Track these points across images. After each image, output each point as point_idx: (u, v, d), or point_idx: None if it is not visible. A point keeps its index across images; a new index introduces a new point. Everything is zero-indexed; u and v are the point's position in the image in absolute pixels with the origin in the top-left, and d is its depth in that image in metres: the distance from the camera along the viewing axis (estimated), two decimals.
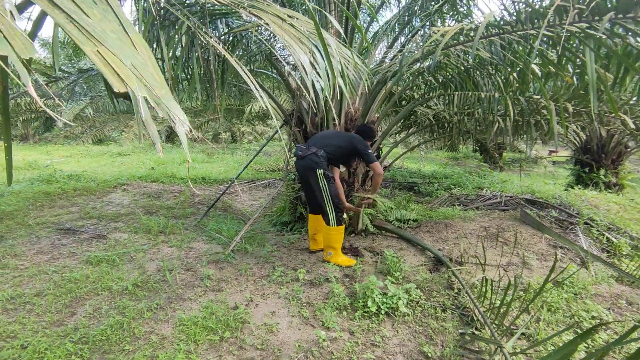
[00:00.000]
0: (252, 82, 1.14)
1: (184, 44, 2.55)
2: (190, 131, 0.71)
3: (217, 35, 3.43)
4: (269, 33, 4.87)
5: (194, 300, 2.67)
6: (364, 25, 6.03)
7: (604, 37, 2.21)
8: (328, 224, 3.25)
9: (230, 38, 3.74)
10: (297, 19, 1.48)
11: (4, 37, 0.52)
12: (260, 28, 3.96)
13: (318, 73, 1.74)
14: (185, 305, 2.60)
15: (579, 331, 2.38)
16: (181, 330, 2.31)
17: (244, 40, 3.95)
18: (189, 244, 3.66)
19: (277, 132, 5.88)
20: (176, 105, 0.68)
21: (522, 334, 2.36)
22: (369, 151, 3.34)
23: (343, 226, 3.32)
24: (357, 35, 5.40)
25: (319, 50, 1.40)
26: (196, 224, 4.31)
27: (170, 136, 17.13)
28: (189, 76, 4.04)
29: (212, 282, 2.90)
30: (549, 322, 2.46)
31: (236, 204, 5.82)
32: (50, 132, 17.49)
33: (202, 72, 3.77)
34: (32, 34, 1.34)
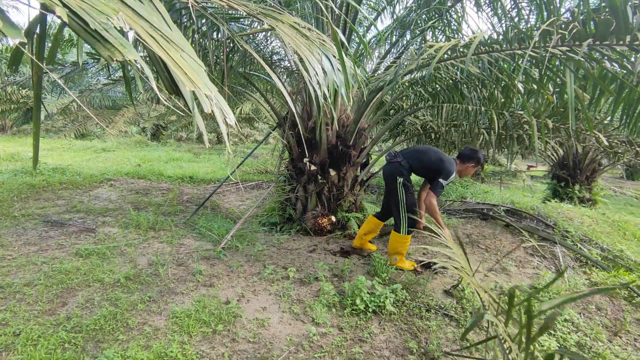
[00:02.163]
0: (276, 77, 1.23)
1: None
2: (236, 125, 0.80)
3: (219, 38, 3.52)
4: (264, 36, 4.97)
5: (186, 294, 2.72)
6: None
7: (582, 60, 2.40)
8: (398, 230, 3.32)
9: (231, 44, 3.82)
10: (308, 28, 1.59)
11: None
12: (260, 33, 4.07)
13: (321, 81, 1.85)
14: (178, 298, 2.65)
15: (552, 332, 2.54)
16: (174, 322, 2.36)
17: (242, 44, 4.03)
18: (179, 240, 3.69)
19: (271, 132, 5.96)
20: (225, 102, 0.77)
21: None
22: (443, 182, 3.24)
23: (410, 235, 3.35)
24: (351, 44, 5.55)
25: (329, 59, 1.51)
26: (186, 221, 4.34)
27: (156, 134, 16.95)
28: None
29: (204, 278, 2.96)
30: None
31: (224, 204, 5.85)
32: (29, 124, 17.03)
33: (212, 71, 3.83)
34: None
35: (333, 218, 4.31)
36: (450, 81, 3.83)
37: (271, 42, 5.10)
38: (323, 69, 1.49)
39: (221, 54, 3.58)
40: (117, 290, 2.67)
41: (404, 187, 3.29)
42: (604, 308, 2.95)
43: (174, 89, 0.78)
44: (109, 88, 7.30)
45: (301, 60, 1.67)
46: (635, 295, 3.15)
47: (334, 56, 1.84)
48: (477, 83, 3.80)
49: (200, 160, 11.09)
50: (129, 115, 14.38)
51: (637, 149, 3.98)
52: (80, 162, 8.47)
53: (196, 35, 2.89)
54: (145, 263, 3.15)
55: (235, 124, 0.76)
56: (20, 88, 14.54)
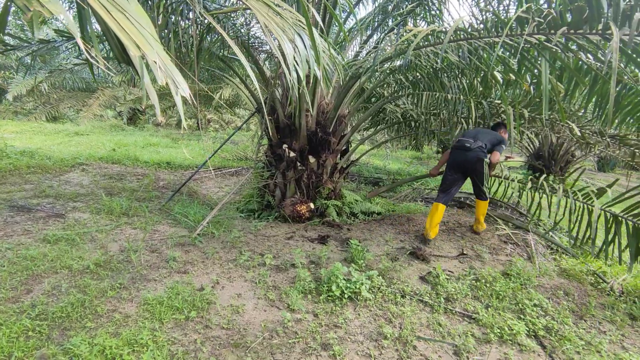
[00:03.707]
0: (243, 58, 1.18)
1: (160, 22, 2.51)
2: (191, 98, 0.75)
3: (193, 16, 3.39)
4: (244, 19, 4.83)
5: (159, 281, 2.66)
6: (340, 20, 6.11)
7: (558, 50, 2.43)
8: (485, 198, 3.90)
9: (207, 21, 3.69)
10: (282, 7, 1.53)
11: None
12: (236, 13, 3.94)
13: (297, 62, 1.80)
14: (150, 285, 2.59)
15: (522, 316, 2.61)
16: (146, 309, 2.31)
17: (220, 25, 3.90)
18: (153, 227, 3.60)
19: (249, 118, 5.86)
20: (178, 72, 0.72)
21: (472, 318, 2.56)
22: (504, 147, 3.83)
23: None
24: (332, 29, 5.47)
25: (302, 39, 1.45)
26: (161, 207, 4.24)
27: (133, 118, 16.45)
28: None
29: (178, 264, 2.90)
30: (496, 308, 2.68)
31: (202, 190, 5.75)
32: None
33: (178, 51, 3.69)
34: None
35: (312, 205, 4.29)
36: (431, 69, 3.82)
37: (252, 26, 4.97)
38: (296, 48, 1.44)
39: (197, 33, 3.46)
40: (86, 277, 2.59)
41: (488, 166, 3.79)
42: (571, 293, 3.05)
43: (124, 57, 0.72)
44: (80, 69, 6.99)
45: (279, 46, 1.62)
46: (601, 281, 3.27)
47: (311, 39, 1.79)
48: (457, 72, 3.81)
49: (178, 146, 10.83)
50: (104, 98, 13.86)
51: (608, 139, 4.10)
52: (50, 145, 8.13)
53: (167, 11, 2.76)
54: (116, 249, 3.06)
55: (190, 97, 0.71)
56: None
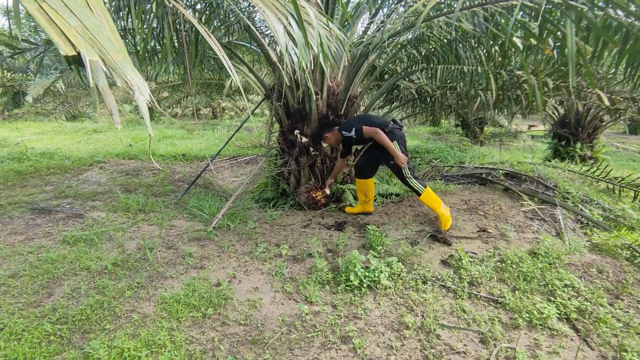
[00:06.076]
0: (222, 53, 1.08)
1: (154, 11, 2.41)
2: (151, 100, 0.66)
3: (189, 3, 3.26)
4: (247, 3, 4.67)
5: (176, 278, 2.65)
6: None
7: (584, 8, 2.20)
8: None
9: (205, 8, 3.56)
10: None
11: None
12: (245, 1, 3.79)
13: (294, 43, 1.67)
14: (167, 283, 2.58)
15: (552, 298, 2.47)
16: (163, 308, 2.30)
17: (220, 11, 3.77)
18: (169, 222, 3.60)
19: (257, 106, 5.76)
20: (135, 71, 0.62)
21: (498, 302, 2.45)
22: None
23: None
24: (338, 6, 5.23)
25: (294, 18, 1.33)
26: (177, 201, 4.24)
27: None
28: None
29: (194, 260, 2.88)
30: (524, 291, 2.55)
31: (217, 181, 5.74)
32: (20, 108, 16.71)
33: (176, 42, 3.59)
34: None
35: (327, 191, 4.20)
36: (445, 41, 3.59)
37: (256, 10, 4.80)
38: (291, 26, 1.32)
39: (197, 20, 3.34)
40: (104, 277, 2.60)
41: None
42: (605, 270, 2.88)
43: (75, 57, 0.63)
44: None
45: (285, 30, 1.49)
46: (637, 255, 3.08)
47: (307, 14, 1.65)
48: (473, 41, 3.57)
49: (194, 136, 10.89)
50: (119, 94, 14.02)
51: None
52: (70, 145, 8.30)
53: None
54: (134, 247, 3.07)
55: (150, 96, 0.62)
56: (5, 71, 14.12)
